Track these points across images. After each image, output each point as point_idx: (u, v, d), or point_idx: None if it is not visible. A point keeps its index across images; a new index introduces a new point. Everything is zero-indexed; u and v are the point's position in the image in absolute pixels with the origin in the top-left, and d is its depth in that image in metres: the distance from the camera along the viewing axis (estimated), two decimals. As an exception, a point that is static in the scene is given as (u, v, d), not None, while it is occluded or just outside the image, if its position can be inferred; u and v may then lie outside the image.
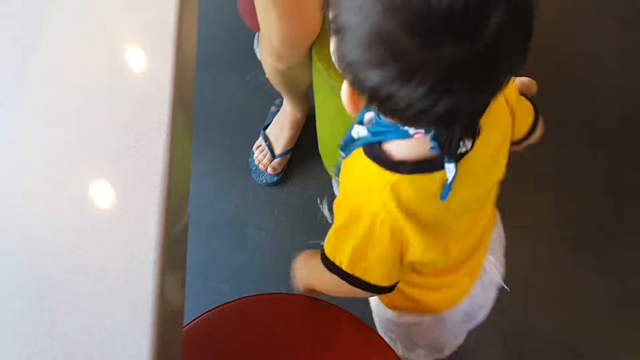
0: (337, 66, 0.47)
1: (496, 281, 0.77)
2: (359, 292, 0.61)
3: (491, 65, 0.41)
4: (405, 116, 0.45)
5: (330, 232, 0.60)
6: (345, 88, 0.48)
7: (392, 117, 0.48)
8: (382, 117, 0.52)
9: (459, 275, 0.70)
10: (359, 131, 0.56)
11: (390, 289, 0.62)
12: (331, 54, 0.47)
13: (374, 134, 0.54)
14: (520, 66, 0.43)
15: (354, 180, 0.58)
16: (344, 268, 0.59)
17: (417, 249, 0.57)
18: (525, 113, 0.66)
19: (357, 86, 0.45)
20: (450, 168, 0.51)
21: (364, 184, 0.56)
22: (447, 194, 0.53)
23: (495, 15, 0.38)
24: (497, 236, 0.77)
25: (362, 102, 0.48)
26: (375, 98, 0.44)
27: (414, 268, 0.66)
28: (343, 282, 0.60)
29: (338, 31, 0.44)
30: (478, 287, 0.74)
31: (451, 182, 0.52)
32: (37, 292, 0.50)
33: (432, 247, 0.58)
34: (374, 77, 0.42)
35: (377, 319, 0.86)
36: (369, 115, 0.55)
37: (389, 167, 0.53)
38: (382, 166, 0.53)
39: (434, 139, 0.50)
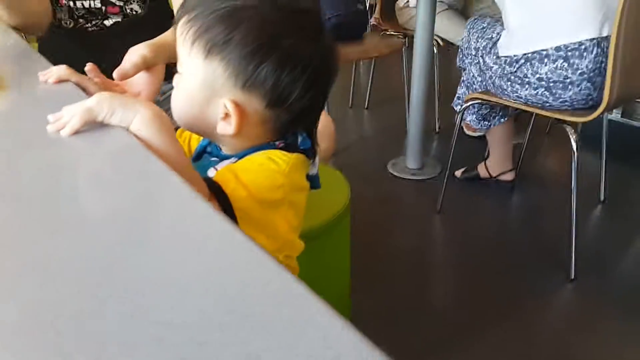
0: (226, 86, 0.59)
1: None
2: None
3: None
4: (288, 107, 0.60)
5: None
6: (234, 115, 0.59)
7: (276, 112, 0.60)
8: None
9: None
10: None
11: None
12: (204, 80, 0.60)
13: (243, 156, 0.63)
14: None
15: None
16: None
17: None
18: None
19: (255, 86, 0.58)
20: (315, 163, 0.67)
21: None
22: (318, 183, 0.68)
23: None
24: None
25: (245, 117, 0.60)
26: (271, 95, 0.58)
27: None
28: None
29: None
30: None
31: (316, 173, 0.68)
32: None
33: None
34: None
35: None
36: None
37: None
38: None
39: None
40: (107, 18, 1.20)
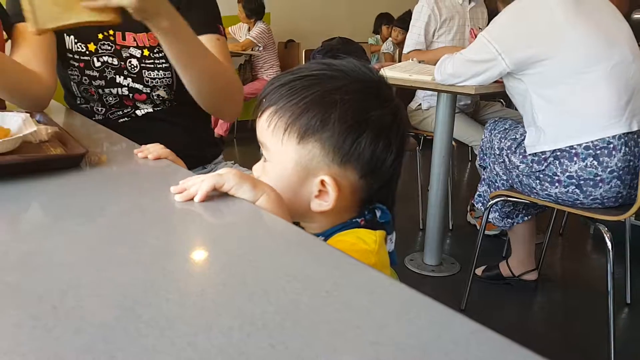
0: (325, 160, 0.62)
1: None
2: None
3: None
4: (377, 176, 0.64)
5: None
6: (332, 189, 0.62)
7: (368, 181, 0.64)
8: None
9: None
10: None
11: None
12: (297, 163, 0.63)
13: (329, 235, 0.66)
14: None
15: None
16: None
17: None
18: None
19: (353, 159, 0.62)
20: (391, 238, 0.69)
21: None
22: (395, 259, 0.70)
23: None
24: None
25: (342, 190, 0.63)
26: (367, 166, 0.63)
27: None
28: None
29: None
30: None
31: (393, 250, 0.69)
32: None
33: None
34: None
35: None
36: None
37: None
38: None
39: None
40: (137, 108, 1.23)
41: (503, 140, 1.86)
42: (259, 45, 4.59)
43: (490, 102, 2.80)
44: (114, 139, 0.90)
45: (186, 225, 0.54)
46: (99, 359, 0.32)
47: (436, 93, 2.17)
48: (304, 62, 2.78)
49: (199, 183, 0.56)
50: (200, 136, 1.35)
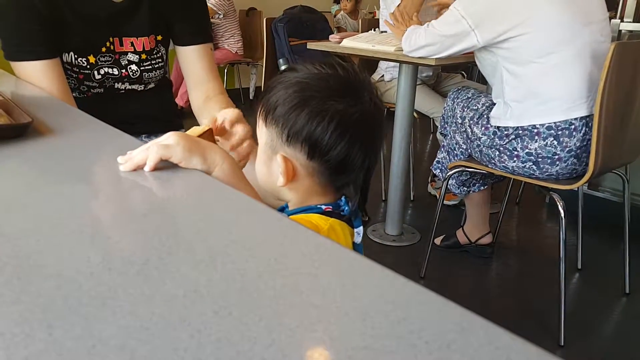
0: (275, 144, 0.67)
1: None
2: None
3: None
4: (325, 158, 0.65)
5: None
6: (281, 165, 0.65)
7: (319, 163, 0.66)
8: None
9: None
10: None
11: None
12: (266, 143, 0.68)
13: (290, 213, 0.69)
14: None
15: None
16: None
17: None
18: None
19: (296, 138, 0.64)
20: (359, 231, 0.70)
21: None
22: (361, 251, 0.71)
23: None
24: None
25: (295, 170, 0.66)
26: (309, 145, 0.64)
27: None
28: None
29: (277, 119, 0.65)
30: None
31: (360, 242, 0.70)
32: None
33: None
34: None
35: None
36: None
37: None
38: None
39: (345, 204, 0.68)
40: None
41: (465, 110, 1.89)
42: (219, 12, 4.48)
43: (451, 74, 2.82)
44: (62, 107, 0.87)
45: (134, 194, 0.53)
46: (37, 329, 0.31)
47: (398, 65, 2.18)
48: (265, 31, 2.73)
49: (145, 151, 0.56)
50: (166, 103, 1.39)
